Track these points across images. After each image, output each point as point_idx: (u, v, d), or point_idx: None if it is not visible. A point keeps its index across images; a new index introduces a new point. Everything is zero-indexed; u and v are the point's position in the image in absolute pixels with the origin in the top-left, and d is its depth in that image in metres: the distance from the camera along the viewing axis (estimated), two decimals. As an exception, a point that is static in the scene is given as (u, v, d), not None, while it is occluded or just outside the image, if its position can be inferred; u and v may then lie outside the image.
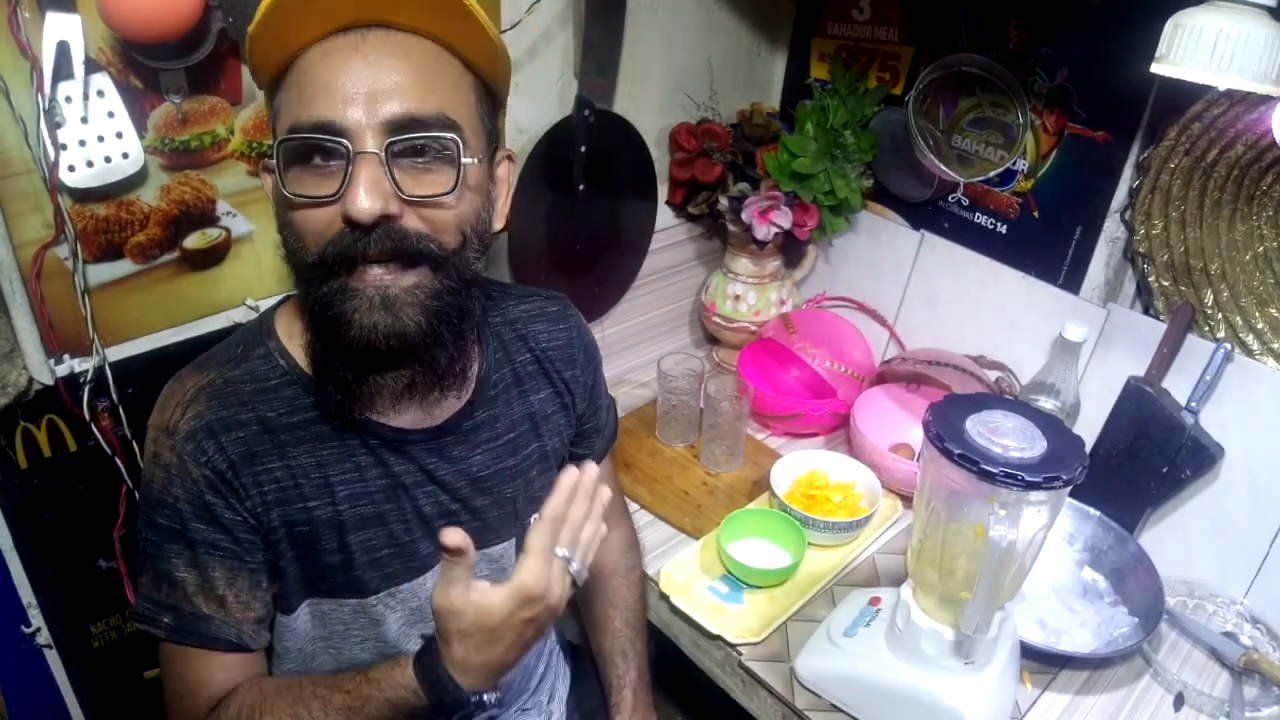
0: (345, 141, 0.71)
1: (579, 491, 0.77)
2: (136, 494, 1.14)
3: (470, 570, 0.74)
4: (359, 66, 0.71)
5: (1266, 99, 1.03)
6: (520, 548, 0.94)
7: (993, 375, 1.38)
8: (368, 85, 0.71)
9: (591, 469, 0.79)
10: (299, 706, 0.79)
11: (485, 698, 0.77)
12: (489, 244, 0.83)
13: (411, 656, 0.78)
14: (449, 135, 0.74)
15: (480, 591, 0.73)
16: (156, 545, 0.81)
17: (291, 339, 0.85)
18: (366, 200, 0.70)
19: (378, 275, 0.74)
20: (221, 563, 0.81)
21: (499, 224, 0.85)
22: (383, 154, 0.71)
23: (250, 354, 0.84)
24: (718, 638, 1.12)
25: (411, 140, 0.72)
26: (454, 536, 0.71)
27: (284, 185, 0.73)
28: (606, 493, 0.79)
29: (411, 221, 0.74)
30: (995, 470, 0.79)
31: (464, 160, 0.75)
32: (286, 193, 0.73)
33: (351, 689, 0.79)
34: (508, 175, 0.86)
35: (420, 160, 0.74)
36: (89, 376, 1.06)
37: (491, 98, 0.82)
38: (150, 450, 0.82)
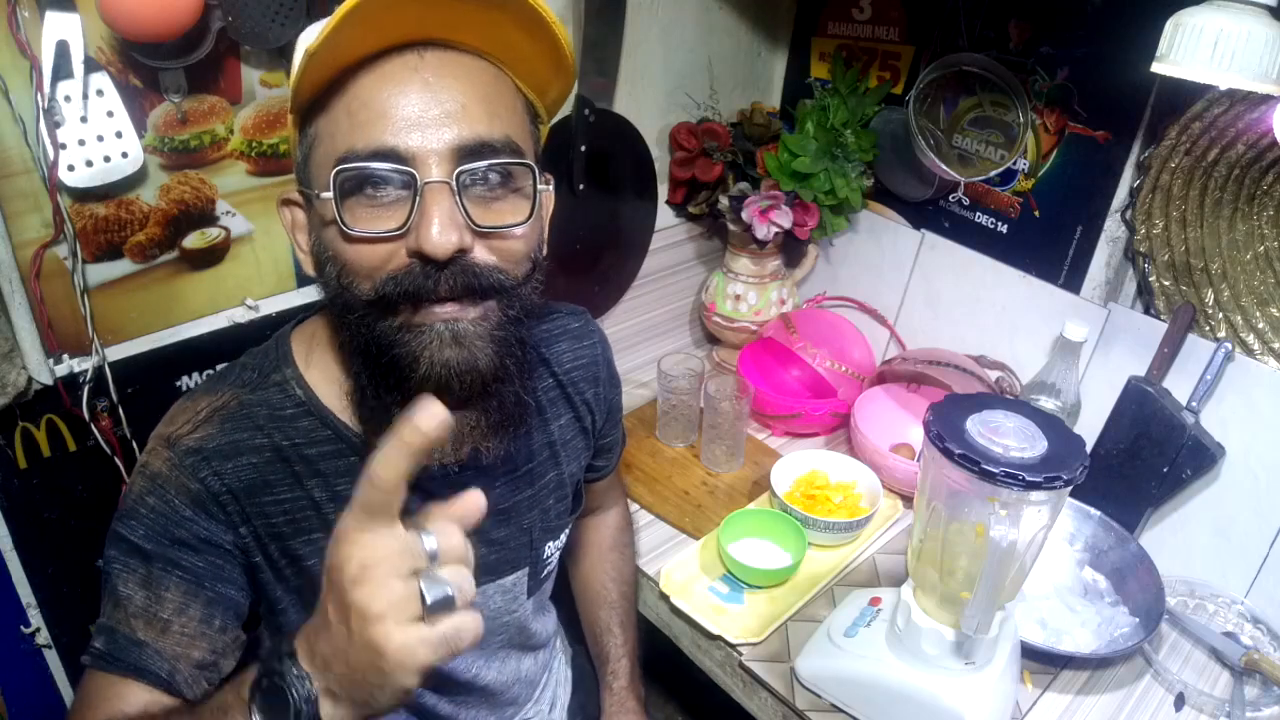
0: (410, 170, 0.65)
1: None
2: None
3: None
4: (419, 87, 0.65)
5: (1267, 98, 1.03)
6: (532, 576, 0.95)
7: (993, 375, 1.38)
8: (431, 108, 0.65)
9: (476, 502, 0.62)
10: None
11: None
12: (545, 274, 0.77)
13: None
14: (523, 162, 0.69)
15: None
16: (114, 560, 0.74)
17: (309, 368, 0.80)
18: (441, 235, 0.64)
19: (449, 310, 0.68)
20: (177, 584, 0.72)
21: (544, 251, 0.78)
22: (453, 182, 0.65)
23: (266, 380, 0.79)
24: (718, 638, 1.12)
25: (484, 168, 0.67)
26: None
27: (342, 221, 0.66)
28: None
29: (481, 254, 0.68)
30: (996, 470, 0.79)
31: (540, 187, 0.71)
32: (345, 228, 0.66)
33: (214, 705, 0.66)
34: (549, 201, 0.79)
35: (488, 188, 0.68)
36: (88, 376, 1.05)
37: (537, 121, 0.77)
38: (141, 461, 0.76)
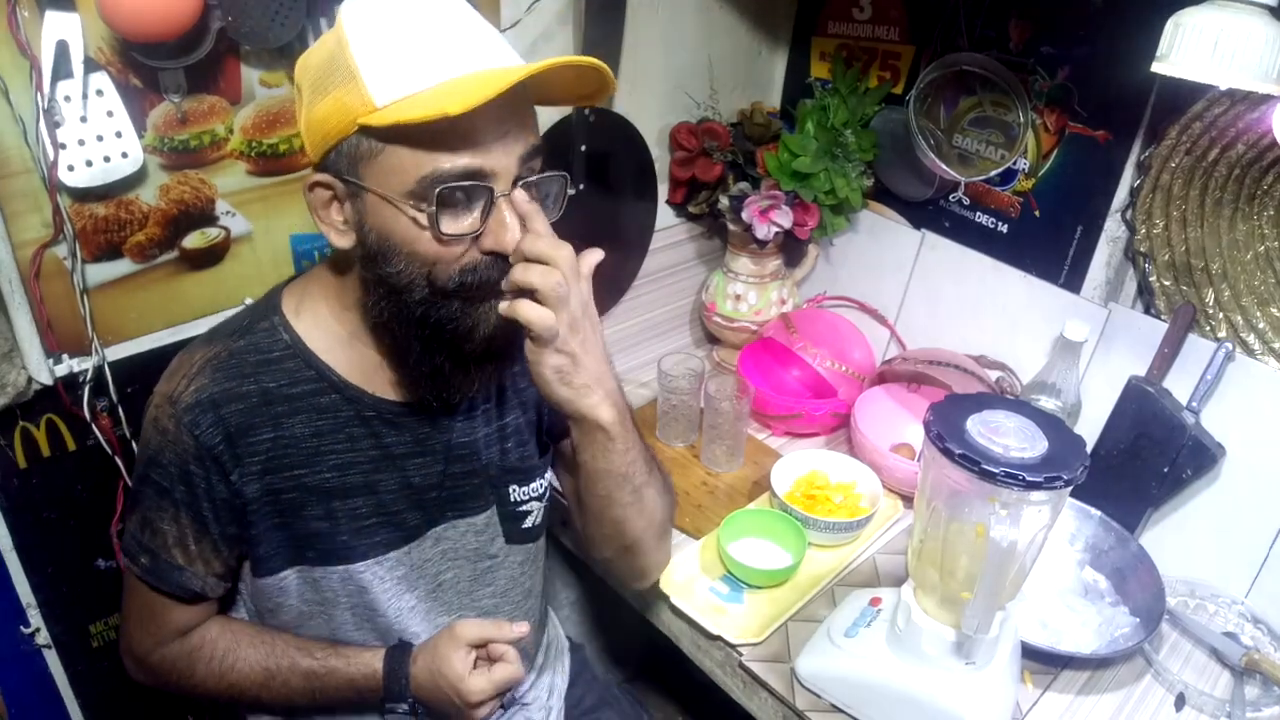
0: (492, 184, 0.77)
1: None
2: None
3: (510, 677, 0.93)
4: (497, 112, 0.74)
5: (1267, 98, 1.03)
6: (506, 519, 1.02)
7: (994, 375, 1.38)
8: (506, 129, 0.76)
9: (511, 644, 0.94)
10: (269, 662, 0.93)
11: (413, 708, 0.94)
12: None
13: (384, 649, 0.94)
14: (561, 174, 0.84)
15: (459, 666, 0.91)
16: (145, 495, 0.88)
17: (298, 316, 0.89)
18: (514, 235, 0.78)
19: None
20: (192, 524, 0.88)
21: None
22: (512, 191, 0.78)
23: (255, 326, 0.89)
24: (718, 638, 1.11)
25: (537, 180, 0.81)
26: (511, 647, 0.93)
27: (439, 228, 0.76)
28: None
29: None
30: (996, 470, 0.79)
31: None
32: (441, 234, 0.77)
33: (320, 658, 0.93)
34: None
35: (536, 194, 0.82)
36: (88, 376, 1.06)
37: None
38: (152, 414, 0.87)
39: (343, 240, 0.82)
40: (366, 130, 0.75)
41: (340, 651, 0.94)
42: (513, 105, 0.75)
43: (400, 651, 0.94)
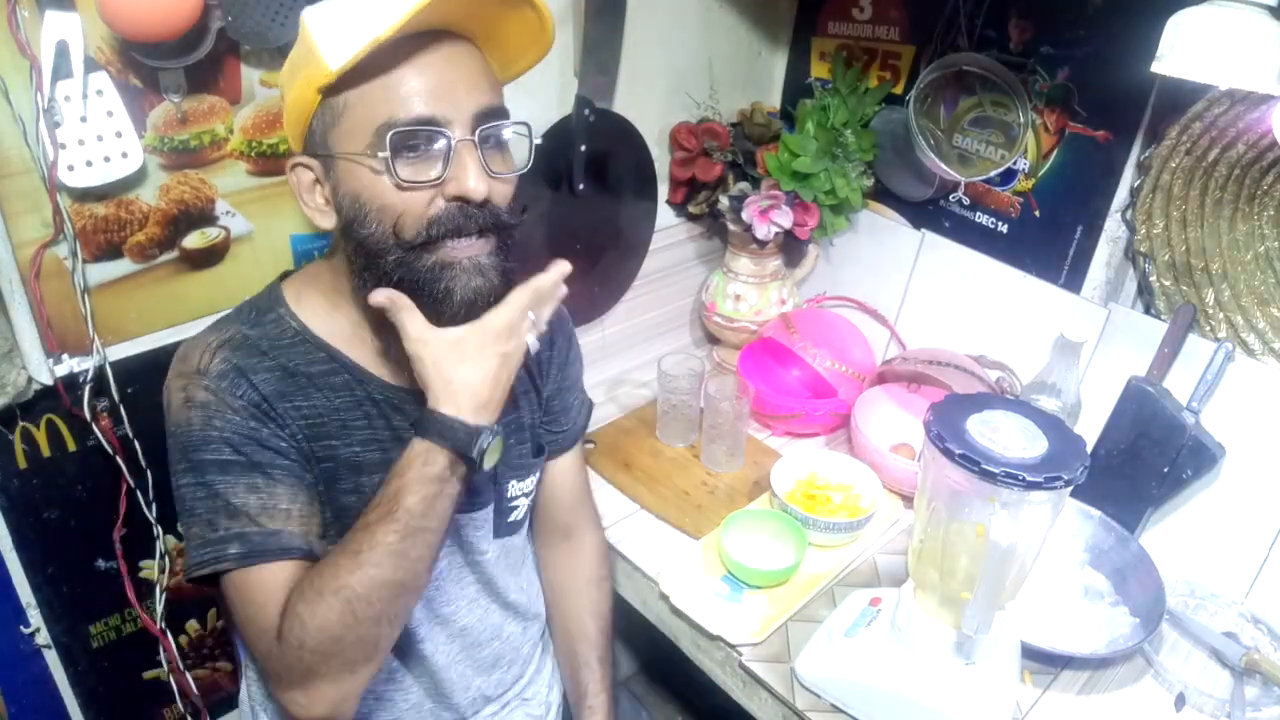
0: (447, 131, 0.79)
1: (559, 278, 0.90)
2: (138, 493, 1.14)
3: (413, 308, 0.82)
4: (442, 66, 0.79)
5: (1267, 98, 1.03)
6: (498, 512, 1.02)
7: (994, 375, 1.38)
8: (455, 82, 0.80)
9: (565, 267, 0.90)
10: (350, 544, 0.80)
11: (487, 427, 0.81)
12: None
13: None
14: (522, 123, 0.85)
15: (447, 329, 0.83)
16: (205, 487, 0.82)
17: (301, 305, 0.91)
18: (477, 181, 0.80)
19: (473, 245, 0.83)
20: (283, 480, 0.84)
21: None
22: (474, 138, 0.80)
23: (263, 318, 0.90)
24: (718, 638, 1.12)
25: (496, 127, 0.83)
26: (379, 296, 0.82)
27: (395, 173, 0.79)
28: (564, 291, 0.92)
29: (496, 198, 0.83)
30: (996, 470, 0.79)
31: (535, 141, 0.86)
32: (400, 180, 0.79)
33: (380, 500, 0.81)
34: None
35: (492, 146, 0.83)
36: (88, 376, 1.05)
37: None
38: (180, 396, 0.84)
39: (326, 220, 0.85)
40: (326, 94, 0.79)
41: (390, 476, 0.81)
42: (459, 63, 0.80)
43: (420, 414, 0.82)
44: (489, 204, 0.82)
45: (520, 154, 0.88)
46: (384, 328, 0.87)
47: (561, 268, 0.90)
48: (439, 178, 0.80)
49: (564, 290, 0.93)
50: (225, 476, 0.82)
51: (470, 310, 0.84)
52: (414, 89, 0.78)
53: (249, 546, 0.81)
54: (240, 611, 0.83)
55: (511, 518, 1.06)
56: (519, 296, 0.86)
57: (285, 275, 0.96)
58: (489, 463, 0.81)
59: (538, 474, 1.10)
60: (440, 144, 0.80)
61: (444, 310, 0.83)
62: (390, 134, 0.78)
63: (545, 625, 1.20)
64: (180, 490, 0.84)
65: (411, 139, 0.79)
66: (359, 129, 0.79)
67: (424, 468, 0.80)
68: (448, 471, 0.81)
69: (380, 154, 0.79)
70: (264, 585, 0.81)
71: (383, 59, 0.78)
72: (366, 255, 0.83)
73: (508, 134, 0.85)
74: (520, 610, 1.11)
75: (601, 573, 1.20)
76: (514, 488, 1.05)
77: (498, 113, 0.83)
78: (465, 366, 0.82)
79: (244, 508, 0.81)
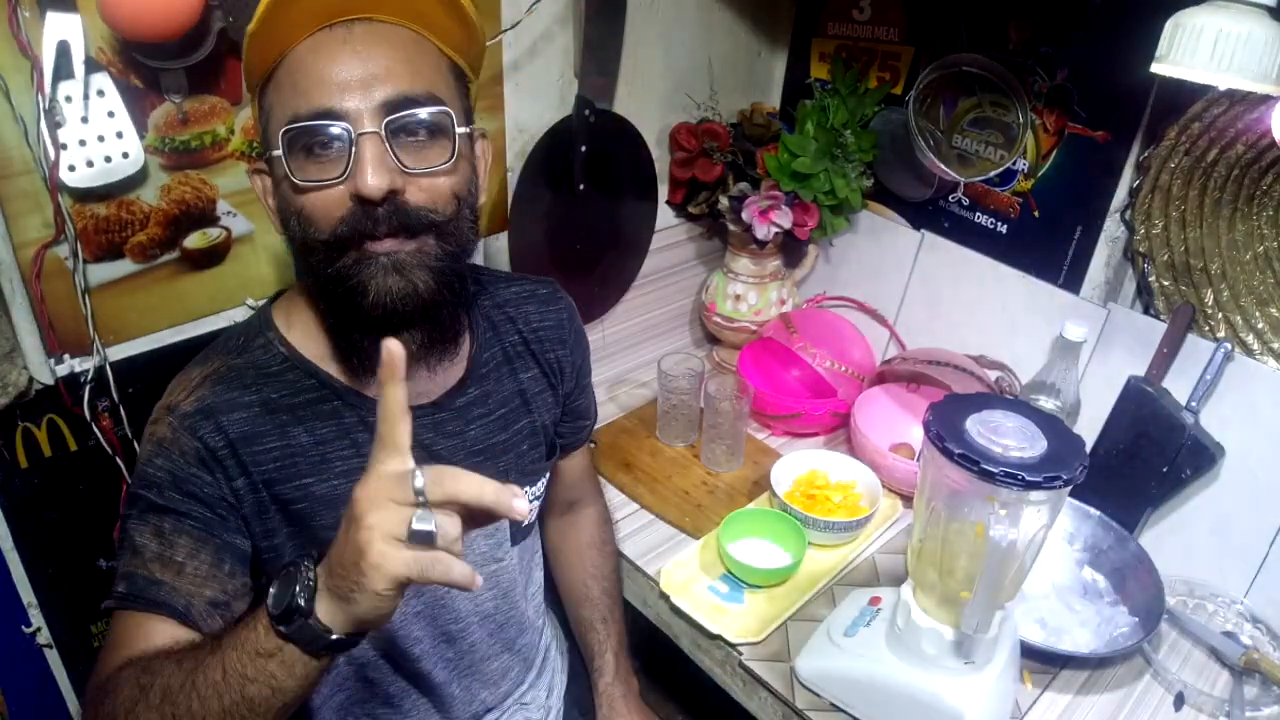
0: (346, 125, 0.74)
1: (495, 500, 0.62)
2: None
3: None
4: (349, 56, 0.75)
5: (1266, 98, 1.03)
6: (513, 521, 0.97)
7: (993, 375, 1.38)
8: (360, 72, 0.75)
9: (522, 507, 0.64)
10: (186, 669, 0.69)
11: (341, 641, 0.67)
12: (479, 214, 0.88)
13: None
14: (441, 109, 0.78)
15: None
16: (130, 519, 0.81)
17: (290, 328, 0.89)
18: (374, 177, 0.74)
19: (389, 244, 0.78)
20: (190, 533, 0.80)
21: (482, 198, 0.89)
22: (383, 132, 0.75)
23: (251, 344, 0.88)
24: (718, 638, 1.12)
25: (408, 117, 0.76)
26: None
27: (291, 173, 0.76)
28: (521, 511, 0.64)
29: (414, 195, 0.78)
30: (995, 470, 0.79)
31: (458, 130, 0.79)
32: (294, 179, 0.76)
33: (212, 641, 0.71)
34: (485, 152, 0.89)
35: (416, 138, 0.78)
36: (89, 376, 1.06)
37: (464, 78, 0.86)
38: (148, 430, 0.84)
39: (275, 223, 0.83)
40: (259, 95, 0.79)
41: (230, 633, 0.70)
42: (376, 49, 0.75)
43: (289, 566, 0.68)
44: (399, 202, 0.76)
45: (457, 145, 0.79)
46: (345, 327, 0.83)
47: (510, 495, 0.63)
48: (341, 175, 0.75)
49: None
50: (144, 516, 0.80)
51: (389, 315, 0.79)
52: (316, 80, 0.74)
53: (130, 588, 0.78)
54: (105, 644, 0.80)
55: (526, 522, 1.05)
56: (392, 465, 0.63)
57: (280, 293, 0.94)
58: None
59: (548, 474, 1.10)
60: (341, 138, 0.75)
61: (360, 309, 0.79)
62: (283, 131, 0.75)
63: (545, 627, 1.19)
64: (121, 519, 0.84)
65: (309, 135, 0.75)
66: (276, 128, 0.77)
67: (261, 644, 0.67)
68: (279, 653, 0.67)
69: (275, 153, 0.76)
70: (122, 631, 0.78)
71: (301, 54, 0.75)
72: (301, 256, 0.82)
73: (439, 122, 0.78)
74: (529, 620, 1.10)
75: (603, 537, 1.22)
76: (527, 494, 1.02)
77: (415, 100, 0.76)
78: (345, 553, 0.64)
79: (143, 549, 0.79)
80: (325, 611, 0.65)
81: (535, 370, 1.04)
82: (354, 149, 0.74)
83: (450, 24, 0.80)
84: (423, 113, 0.77)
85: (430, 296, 0.81)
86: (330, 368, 0.88)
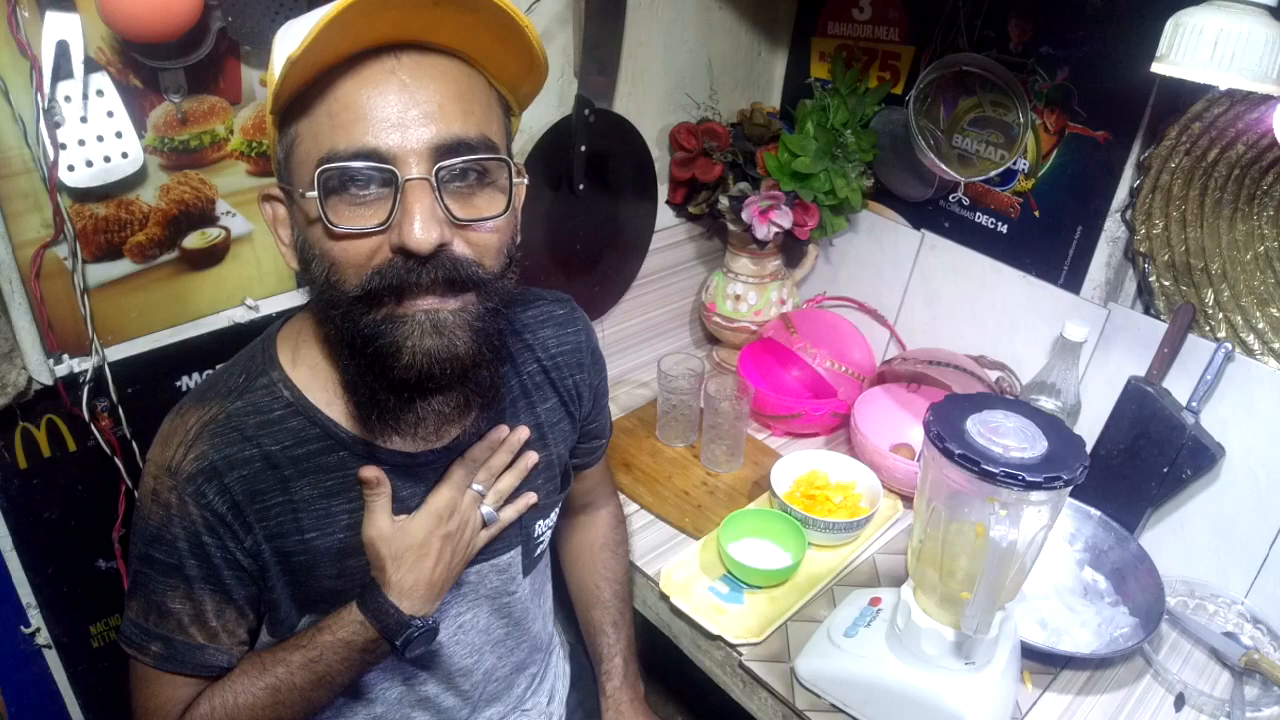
0: (392, 168, 0.67)
1: (504, 445, 0.89)
2: (136, 495, 1.14)
3: (389, 499, 0.82)
4: (395, 89, 0.67)
5: (1267, 98, 1.03)
6: (525, 554, 0.99)
7: (993, 375, 1.38)
8: (408, 109, 0.67)
9: (521, 431, 0.90)
10: (266, 676, 0.84)
11: (423, 622, 0.84)
12: (519, 265, 0.80)
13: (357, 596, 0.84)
14: (497, 157, 0.72)
15: (402, 519, 0.82)
16: (149, 577, 0.82)
17: (296, 366, 0.83)
18: (423, 231, 0.67)
19: (430, 301, 0.71)
20: (212, 596, 0.82)
21: (518, 238, 0.82)
22: (432, 179, 0.68)
23: (253, 384, 0.82)
24: (718, 638, 1.12)
25: (463, 165, 0.70)
26: (369, 472, 0.80)
27: (327, 219, 0.68)
28: (532, 458, 0.91)
29: (460, 248, 0.71)
30: (996, 470, 0.79)
31: (515, 180, 0.74)
32: (330, 225, 0.69)
33: (307, 642, 0.83)
34: (523, 191, 0.81)
35: (465, 183, 0.71)
36: (88, 376, 1.05)
37: (509, 112, 0.80)
38: (149, 485, 0.81)
39: (292, 261, 0.77)
40: (281, 122, 0.71)
41: (322, 626, 0.83)
42: (426, 85, 0.68)
43: (369, 591, 0.83)
44: (448, 256, 0.70)
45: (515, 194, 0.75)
46: (370, 385, 0.77)
47: (501, 433, 0.88)
48: (384, 224, 0.68)
49: (533, 457, 0.91)
50: (168, 579, 0.81)
51: (423, 377, 0.73)
52: (357, 114, 0.66)
53: (171, 652, 0.83)
54: (137, 701, 0.86)
55: (538, 552, 1.02)
56: (456, 472, 0.84)
57: (286, 319, 0.88)
58: (412, 653, 0.84)
59: (561, 503, 1.06)
60: (386, 183, 0.68)
61: (391, 371, 0.72)
62: (320, 171, 0.67)
63: (550, 640, 1.17)
64: (131, 564, 0.84)
65: (350, 177, 0.67)
66: (305, 162, 0.69)
67: (351, 637, 0.82)
68: (370, 646, 0.83)
69: (309, 194, 0.68)
70: (167, 692, 0.84)
71: (336, 81, 0.67)
72: (323, 305, 0.74)
73: (498, 171, 0.72)
74: (540, 641, 1.09)
75: (615, 538, 1.20)
76: (540, 526, 1.00)
77: (468, 146, 0.69)
78: (424, 565, 0.83)
79: (177, 613, 0.82)
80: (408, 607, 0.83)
81: (554, 400, 0.99)
82: (399, 195, 0.67)
83: (508, 58, 0.72)
84: (477, 160, 0.70)
85: (471, 359, 0.74)
86: (337, 414, 0.82)
